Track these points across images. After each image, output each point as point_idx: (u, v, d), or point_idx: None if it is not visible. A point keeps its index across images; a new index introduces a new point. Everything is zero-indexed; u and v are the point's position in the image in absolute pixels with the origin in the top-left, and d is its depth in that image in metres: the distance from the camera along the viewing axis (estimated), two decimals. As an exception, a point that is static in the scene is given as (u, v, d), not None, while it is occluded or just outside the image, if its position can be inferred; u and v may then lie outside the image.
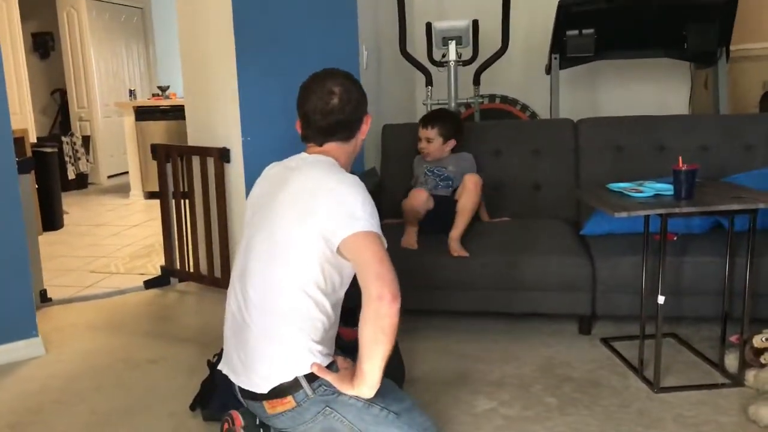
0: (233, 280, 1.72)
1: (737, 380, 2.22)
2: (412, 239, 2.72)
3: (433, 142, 2.95)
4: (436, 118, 3.00)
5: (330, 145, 1.72)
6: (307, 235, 1.54)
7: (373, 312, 1.45)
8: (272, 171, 1.79)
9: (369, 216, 1.54)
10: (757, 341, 2.21)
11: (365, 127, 1.75)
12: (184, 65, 3.46)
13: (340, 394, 1.58)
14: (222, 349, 1.79)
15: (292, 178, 1.66)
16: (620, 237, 2.62)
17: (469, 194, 2.72)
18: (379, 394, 1.60)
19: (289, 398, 1.56)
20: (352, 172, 3.09)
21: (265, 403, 1.61)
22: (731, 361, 2.29)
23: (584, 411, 2.10)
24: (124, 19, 7.86)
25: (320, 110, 1.67)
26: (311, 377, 1.58)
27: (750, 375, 2.19)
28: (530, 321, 2.79)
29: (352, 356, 1.80)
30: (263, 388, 1.59)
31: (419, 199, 2.72)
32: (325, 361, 1.61)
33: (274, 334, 1.58)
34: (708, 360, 2.40)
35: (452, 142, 2.96)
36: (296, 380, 1.57)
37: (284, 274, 1.58)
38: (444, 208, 2.76)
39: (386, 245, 1.55)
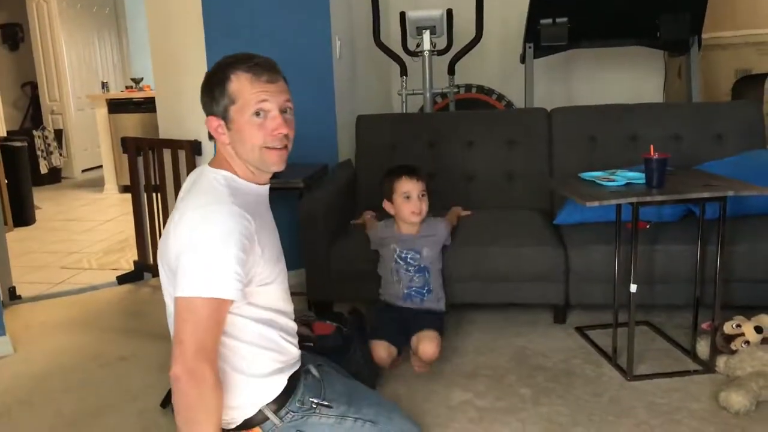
0: None
1: (709, 367, 2.24)
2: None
3: (425, 197, 2.44)
4: (416, 167, 2.50)
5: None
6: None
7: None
8: (184, 184, 1.58)
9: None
10: (728, 328, 2.23)
11: (214, 133, 1.47)
12: (155, 57, 3.40)
13: (309, 416, 1.51)
14: None
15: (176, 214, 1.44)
16: (593, 226, 2.63)
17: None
18: (351, 403, 1.56)
19: (257, 429, 1.49)
20: (323, 167, 3.08)
21: None
22: (703, 348, 2.31)
23: (557, 401, 2.10)
24: (96, 9, 7.71)
25: None
26: (279, 402, 1.49)
27: (721, 361, 2.21)
28: (505, 311, 2.78)
29: (324, 357, 1.78)
30: (230, 426, 1.50)
31: (380, 360, 2.24)
32: (281, 379, 1.50)
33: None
34: (680, 347, 2.41)
35: None
36: (260, 412, 1.48)
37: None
38: (414, 322, 2.34)
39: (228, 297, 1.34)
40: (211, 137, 1.49)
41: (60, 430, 2.08)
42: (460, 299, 2.64)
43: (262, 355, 1.48)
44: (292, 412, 1.50)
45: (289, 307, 1.58)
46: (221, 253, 1.32)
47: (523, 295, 2.64)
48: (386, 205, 2.50)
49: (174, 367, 1.30)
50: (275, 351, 1.50)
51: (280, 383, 1.50)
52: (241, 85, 1.41)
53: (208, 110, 1.46)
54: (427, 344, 2.24)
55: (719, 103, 3.90)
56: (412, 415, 1.83)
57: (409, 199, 2.42)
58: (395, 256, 2.44)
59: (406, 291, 2.43)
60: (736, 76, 4.17)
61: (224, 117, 1.44)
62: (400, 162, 3.10)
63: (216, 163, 1.50)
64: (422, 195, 2.43)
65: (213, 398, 1.32)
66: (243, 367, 1.46)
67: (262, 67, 1.43)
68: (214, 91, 1.43)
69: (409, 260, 2.43)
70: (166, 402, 2.14)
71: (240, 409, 1.47)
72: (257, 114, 1.42)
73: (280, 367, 1.51)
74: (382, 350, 2.25)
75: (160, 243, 1.48)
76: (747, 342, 2.19)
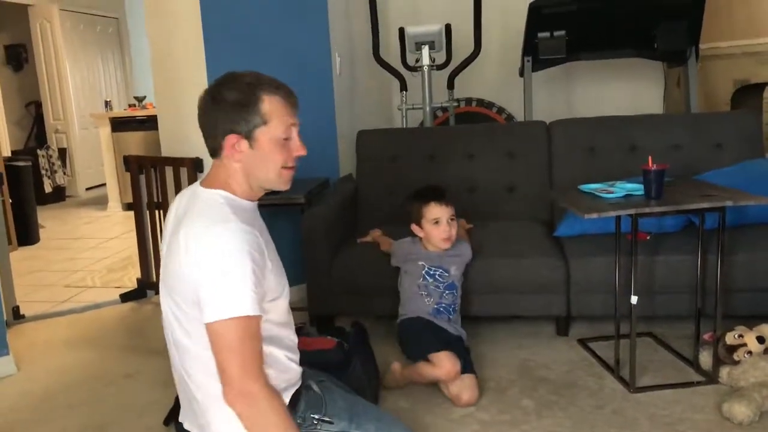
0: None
1: (711, 378, 2.24)
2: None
3: (454, 221, 2.41)
4: (444, 192, 2.44)
5: (216, 161, 1.49)
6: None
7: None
8: (174, 208, 1.55)
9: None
10: (730, 338, 2.23)
11: (229, 149, 1.43)
12: (156, 75, 3.44)
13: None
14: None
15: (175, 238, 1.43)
16: (593, 237, 2.63)
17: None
18: (353, 418, 1.56)
19: None
20: (324, 181, 3.10)
21: None
22: (705, 358, 2.30)
23: (560, 413, 2.10)
24: (99, 29, 7.80)
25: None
26: None
27: (724, 372, 2.20)
28: (508, 323, 2.78)
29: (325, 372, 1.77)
30: None
31: (450, 372, 2.17)
32: (284, 398, 1.47)
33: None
34: (683, 358, 2.41)
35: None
36: None
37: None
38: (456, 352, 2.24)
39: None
40: (214, 155, 1.48)
41: (64, 448, 2.09)
42: (463, 312, 2.63)
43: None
44: None
45: (291, 322, 1.59)
46: (239, 271, 1.33)
47: (525, 307, 2.65)
48: (415, 228, 2.45)
49: (226, 397, 1.33)
50: (279, 371, 1.50)
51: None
52: (274, 107, 1.43)
53: (229, 128, 1.43)
54: (471, 392, 2.18)
55: (718, 113, 3.92)
56: (415, 429, 1.83)
57: (438, 224, 2.38)
58: (423, 272, 2.39)
59: (435, 306, 2.37)
60: (734, 86, 4.19)
61: (248, 136, 1.43)
62: (400, 176, 3.14)
63: (209, 182, 1.49)
64: (452, 219, 2.40)
65: (272, 409, 1.34)
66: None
67: (286, 91, 1.48)
68: (243, 109, 1.42)
69: (437, 277, 2.39)
70: (169, 419, 2.14)
71: (236, 426, 1.46)
72: (286, 137, 1.46)
73: (284, 386, 1.51)
74: (448, 362, 2.16)
75: (163, 267, 1.48)
76: (749, 352, 2.18)
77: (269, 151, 1.44)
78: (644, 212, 2.12)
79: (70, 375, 2.61)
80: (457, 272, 2.44)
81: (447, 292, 2.40)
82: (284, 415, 1.36)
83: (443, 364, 2.17)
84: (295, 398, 1.53)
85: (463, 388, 2.18)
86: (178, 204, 1.53)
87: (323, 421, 1.52)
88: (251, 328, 1.35)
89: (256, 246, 1.38)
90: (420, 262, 2.41)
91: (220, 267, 1.33)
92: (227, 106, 1.43)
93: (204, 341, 1.37)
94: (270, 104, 1.43)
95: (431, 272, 2.40)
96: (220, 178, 1.48)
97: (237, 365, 1.32)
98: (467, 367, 2.23)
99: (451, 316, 2.40)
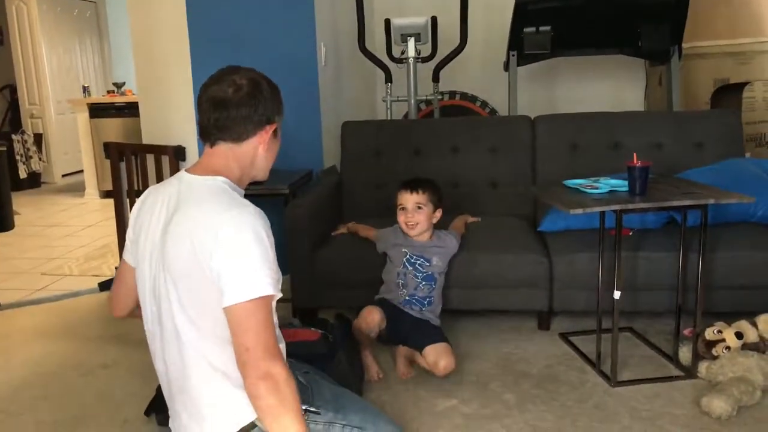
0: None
1: (691, 373, 2.27)
2: (374, 370, 2.34)
3: (424, 210, 2.44)
4: (422, 181, 2.49)
5: (221, 147, 1.48)
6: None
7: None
8: (150, 206, 1.51)
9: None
10: (709, 334, 2.26)
11: (266, 136, 1.49)
12: (137, 62, 3.37)
13: None
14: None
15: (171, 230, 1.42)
16: (577, 233, 2.65)
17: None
18: (338, 409, 1.55)
19: None
20: (308, 173, 3.08)
21: None
22: (685, 353, 2.33)
23: (542, 407, 2.11)
24: (76, 13, 7.64)
25: (212, 98, 1.45)
26: None
27: (703, 367, 2.24)
28: (489, 318, 2.79)
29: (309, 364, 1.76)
30: None
31: (372, 322, 2.28)
32: None
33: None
34: (663, 353, 2.44)
35: (439, 213, 2.50)
36: (252, 423, 1.45)
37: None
38: (414, 329, 2.35)
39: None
40: (209, 140, 1.47)
41: (40, 439, 2.05)
42: (446, 305, 2.64)
43: None
44: None
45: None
46: (260, 252, 1.34)
47: (508, 302, 2.66)
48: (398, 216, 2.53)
49: (248, 379, 1.30)
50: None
51: None
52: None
53: (269, 116, 1.49)
54: (447, 359, 2.24)
55: (700, 111, 3.96)
56: (398, 422, 1.83)
57: (404, 210, 2.45)
58: (404, 259, 2.44)
59: (407, 298, 2.41)
60: (714, 85, 4.24)
61: (277, 126, 1.52)
62: (384, 168, 3.14)
63: (202, 170, 1.47)
64: (418, 207, 2.44)
65: (291, 392, 1.32)
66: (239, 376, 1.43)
67: None
68: (278, 100, 1.51)
69: (417, 266, 2.43)
70: (150, 410, 2.11)
71: (234, 417, 1.45)
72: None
73: None
74: (375, 316, 2.27)
75: (160, 255, 1.43)
76: (728, 348, 2.22)
77: (278, 143, 1.55)
78: (629, 208, 2.14)
79: (45, 365, 2.56)
80: (440, 263, 2.46)
81: (424, 283, 2.42)
82: (296, 396, 1.34)
83: (364, 313, 2.29)
84: None
85: (438, 355, 2.24)
86: (166, 191, 1.50)
87: (309, 411, 1.51)
88: (270, 308, 1.36)
89: (269, 229, 1.40)
90: (403, 249, 2.45)
91: (243, 249, 1.33)
92: (268, 95, 1.48)
93: (210, 326, 1.37)
94: None
95: (412, 260, 2.43)
96: (214, 166, 1.47)
97: (261, 347, 1.30)
98: (437, 338, 2.31)
99: (423, 308, 2.42)
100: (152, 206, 1.51)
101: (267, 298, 1.34)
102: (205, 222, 1.37)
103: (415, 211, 2.43)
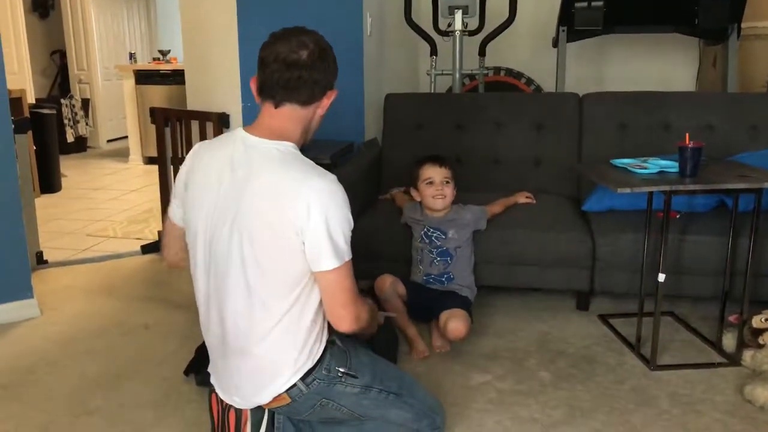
0: None
1: (734, 360, 2.21)
2: (420, 347, 2.31)
3: (450, 184, 2.47)
4: (445, 157, 2.53)
5: (286, 109, 1.45)
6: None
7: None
8: (207, 163, 1.50)
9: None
10: (757, 321, 2.20)
11: (327, 102, 1.50)
12: (185, 30, 3.40)
13: (334, 384, 1.51)
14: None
15: (247, 191, 1.42)
16: (621, 213, 2.59)
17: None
18: (376, 374, 1.57)
19: (284, 395, 1.49)
20: (349, 145, 3.07)
21: None
22: (729, 340, 2.28)
23: (578, 386, 2.09)
24: (125, -21, 7.72)
25: (283, 59, 1.41)
26: (305, 373, 1.49)
27: (747, 355, 2.18)
28: (526, 296, 2.77)
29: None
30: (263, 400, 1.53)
31: (383, 285, 2.37)
32: (321, 347, 1.52)
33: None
34: (705, 339, 2.38)
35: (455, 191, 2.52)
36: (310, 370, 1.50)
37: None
38: (438, 300, 2.38)
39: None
40: (274, 100, 1.46)
41: (83, 389, 2.12)
42: (484, 281, 2.62)
43: (319, 323, 1.51)
44: (319, 380, 1.50)
45: None
46: (348, 219, 1.45)
47: (548, 280, 2.62)
48: (414, 193, 2.57)
49: (341, 327, 1.48)
50: (324, 319, 1.53)
51: (320, 351, 1.51)
52: None
53: (332, 82, 1.50)
54: (457, 322, 2.24)
55: (756, 94, 3.80)
56: (433, 393, 1.83)
57: (431, 185, 2.47)
58: (422, 233, 2.49)
59: (425, 277, 2.47)
60: (773, 67, 4.07)
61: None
62: (426, 142, 3.10)
63: (268, 132, 1.45)
64: (446, 181, 2.47)
65: (369, 310, 1.57)
66: (305, 337, 1.48)
67: None
68: (336, 66, 1.51)
69: (434, 239, 2.46)
70: (189, 370, 2.16)
71: (293, 376, 1.48)
72: None
73: (323, 336, 1.54)
74: (387, 278, 2.38)
75: (234, 214, 1.42)
76: (775, 337, 2.16)
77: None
78: (679, 189, 2.08)
79: (90, 322, 2.64)
80: (456, 236, 2.46)
81: (439, 259, 2.45)
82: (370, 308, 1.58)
83: (377, 280, 2.40)
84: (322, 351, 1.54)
85: (449, 318, 2.26)
86: (226, 151, 1.47)
87: (348, 374, 1.53)
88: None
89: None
90: (421, 222, 2.51)
91: (338, 219, 1.41)
92: (332, 61, 1.49)
93: (281, 284, 1.43)
94: None
95: (429, 233, 2.48)
96: (280, 129, 1.46)
97: (352, 302, 1.46)
98: (455, 305, 2.33)
99: (444, 285, 2.45)
100: (209, 163, 1.49)
101: (350, 260, 1.46)
102: (293, 189, 1.39)
103: (443, 185, 2.46)
